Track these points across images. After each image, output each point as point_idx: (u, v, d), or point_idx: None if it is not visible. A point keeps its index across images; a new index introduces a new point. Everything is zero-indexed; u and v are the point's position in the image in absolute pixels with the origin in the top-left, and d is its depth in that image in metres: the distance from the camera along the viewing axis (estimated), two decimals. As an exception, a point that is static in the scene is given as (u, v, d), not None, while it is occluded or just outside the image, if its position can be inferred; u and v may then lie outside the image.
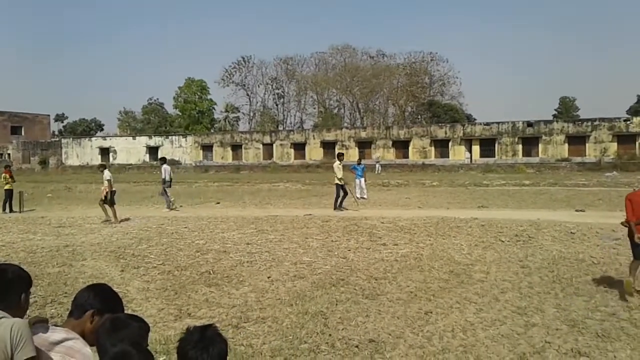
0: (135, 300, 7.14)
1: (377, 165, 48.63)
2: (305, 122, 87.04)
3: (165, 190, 18.62)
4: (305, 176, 43.58)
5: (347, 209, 17.60)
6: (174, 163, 61.71)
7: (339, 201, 17.89)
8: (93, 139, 72.87)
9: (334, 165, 18.68)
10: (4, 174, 19.54)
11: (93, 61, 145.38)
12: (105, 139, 71.19)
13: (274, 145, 60.85)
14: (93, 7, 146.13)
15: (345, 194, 18.02)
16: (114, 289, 2.65)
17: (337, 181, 18.07)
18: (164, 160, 20.07)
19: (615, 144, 48.13)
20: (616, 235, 11.08)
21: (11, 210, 18.64)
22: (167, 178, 18.62)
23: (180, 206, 19.34)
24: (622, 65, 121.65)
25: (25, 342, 2.12)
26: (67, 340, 2.27)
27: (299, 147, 59.93)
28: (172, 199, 18.70)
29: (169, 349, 5.14)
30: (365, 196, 22.11)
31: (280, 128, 78.49)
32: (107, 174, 16.34)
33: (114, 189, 16.14)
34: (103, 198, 15.87)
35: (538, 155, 50.64)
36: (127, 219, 15.60)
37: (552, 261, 9.05)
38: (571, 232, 11.71)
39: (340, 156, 19.30)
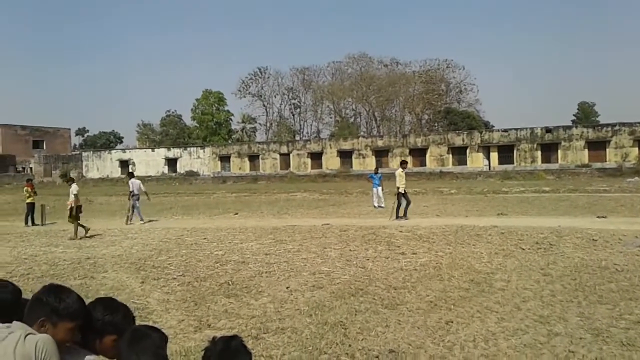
0: (156, 312, 7.18)
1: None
2: (322, 131, 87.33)
3: (135, 202, 18.96)
4: (323, 186, 43.61)
5: (407, 219, 16.86)
6: (192, 174, 62.33)
7: (401, 210, 17.21)
8: (113, 151, 73.81)
9: (396, 172, 18.08)
10: (26, 188, 19.88)
11: (112, 74, 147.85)
12: (125, 152, 72.07)
13: (291, 155, 61.03)
14: (111, 20, 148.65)
15: (408, 202, 17.41)
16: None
17: (398, 189, 17.41)
18: (131, 175, 20.46)
19: (637, 149, 47.38)
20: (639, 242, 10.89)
21: (33, 224, 18.92)
22: (136, 191, 19.04)
23: (156, 220, 19.38)
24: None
25: (51, 359, 2.14)
26: None
27: (316, 157, 60.02)
28: (131, 213, 18.81)
29: (189, 360, 5.15)
30: (382, 205, 22.05)
31: (297, 138, 78.78)
32: (74, 187, 16.58)
33: (80, 203, 16.22)
34: (69, 212, 15.81)
35: (557, 162, 50.05)
36: (91, 236, 15.07)
37: (574, 269, 8.92)
38: (593, 239, 11.53)
39: (404, 164, 18.82)
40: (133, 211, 18.96)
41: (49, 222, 19.69)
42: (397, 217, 17.01)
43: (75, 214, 15.57)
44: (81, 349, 2.37)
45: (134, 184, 19.27)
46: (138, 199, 19.16)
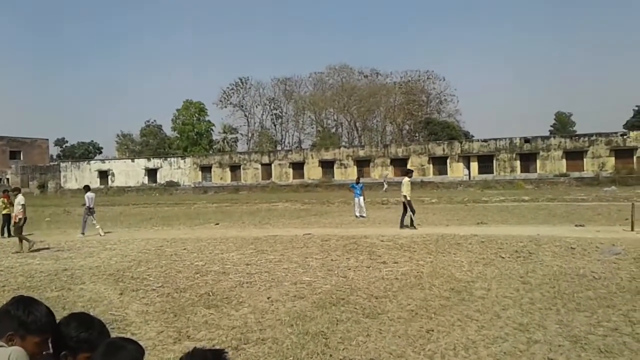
0: (135, 324, 7.08)
1: (384, 183, 49.24)
2: (304, 141, 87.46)
3: (86, 217, 18.85)
4: (304, 196, 43.57)
5: (407, 227, 16.92)
6: (172, 185, 61.85)
7: (407, 218, 17.21)
8: (92, 162, 73.03)
9: (403, 180, 18.26)
10: (2, 199, 19.49)
11: (90, 85, 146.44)
12: (104, 162, 71.36)
13: (273, 165, 60.95)
14: (90, 30, 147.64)
15: (413, 211, 17.40)
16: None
17: (405, 198, 17.45)
18: (87, 188, 20.31)
19: (613, 158, 48.27)
20: (616, 249, 11.05)
21: (9, 235, 18.56)
22: (91, 205, 18.90)
23: (109, 232, 19.09)
24: (617, 80, 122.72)
25: None
26: None
27: (298, 167, 60.02)
28: (97, 226, 18.64)
29: (168, 373, 5.08)
30: (364, 214, 22.10)
31: (279, 148, 78.71)
32: (20, 198, 16.37)
33: (25, 215, 16.03)
34: (15, 224, 15.54)
35: (536, 171, 50.74)
36: (38, 250, 14.53)
37: (553, 277, 9.01)
38: (571, 247, 11.67)
39: (410, 173, 19.10)
40: (90, 221, 18.80)
41: (26, 233, 19.32)
42: (412, 224, 16.94)
43: (20, 226, 15.32)
44: None
45: (89, 197, 19.11)
46: (93, 213, 19.07)
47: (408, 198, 17.43)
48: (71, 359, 2.31)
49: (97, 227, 18.53)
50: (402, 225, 17.16)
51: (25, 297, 2.44)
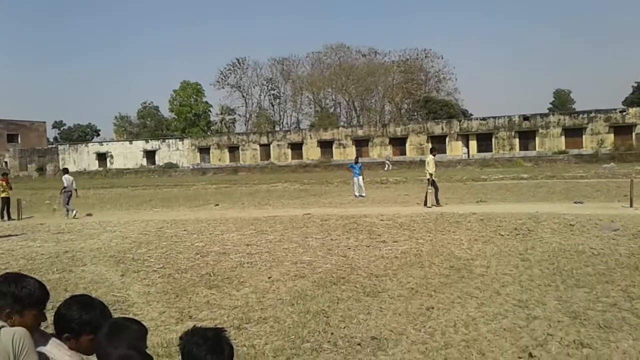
0: (137, 304, 7.12)
1: (387, 163, 49.44)
2: (302, 122, 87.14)
3: (67, 199, 19.14)
4: (303, 176, 43.58)
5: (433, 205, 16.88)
6: (171, 166, 61.78)
7: (435, 195, 17.21)
8: (90, 144, 72.78)
9: (427, 159, 18.20)
10: (0, 182, 19.48)
11: (87, 67, 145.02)
12: (102, 144, 71.12)
13: (271, 146, 60.82)
14: (87, 13, 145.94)
15: (436, 189, 17.42)
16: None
17: (428, 176, 17.53)
18: (66, 170, 20.97)
19: (612, 135, 48.16)
20: (615, 226, 11.10)
21: (9, 218, 18.60)
22: (68, 187, 19.26)
23: (88, 214, 19.26)
24: (616, 56, 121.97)
25: (28, 351, 2.12)
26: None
27: (296, 147, 59.90)
28: (72, 208, 18.88)
29: (170, 352, 5.13)
30: (364, 194, 22.12)
31: (277, 129, 78.47)
32: None
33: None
34: None
35: (535, 149, 50.67)
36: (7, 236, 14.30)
37: (552, 253, 9.05)
38: (570, 224, 11.72)
39: (433, 151, 19.08)
40: (68, 205, 19.07)
41: (26, 216, 19.37)
42: (438, 203, 16.97)
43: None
44: (48, 333, 2.37)
45: (67, 179, 19.43)
46: (70, 195, 19.31)
47: (434, 177, 17.44)
48: (74, 341, 2.32)
49: (73, 209, 18.86)
50: (437, 202, 17.05)
51: (13, 273, 2.46)
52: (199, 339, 2.09)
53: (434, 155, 18.38)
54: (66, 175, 19.74)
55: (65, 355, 2.29)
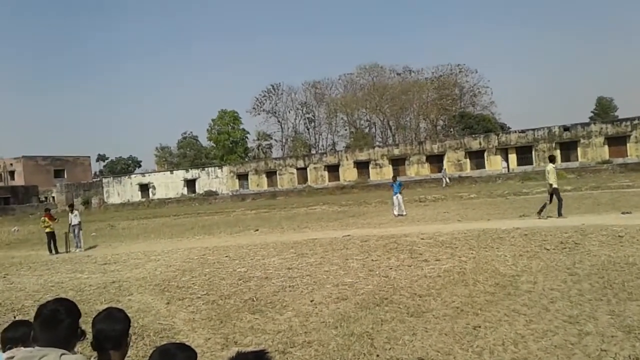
0: (182, 332, 7.22)
1: (444, 179, 48.68)
2: (337, 143, 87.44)
3: (78, 232, 20.24)
4: (341, 197, 43.55)
5: (542, 218, 16.21)
6: (211, 194, 62.70)
7: (561, 207, 16.28)
8: (132, 176, 74.64)
9: (547, 168, 17.11)
10: (43, 218, 20.34)
11: (126, 99, 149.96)
12: (144, 176, 72.84)
13: (308, 169, 61.12)
14: (125, 44, 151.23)
15: (560, 199, 16.42)
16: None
17: (551, 186, 16.51)
18: (72, 206, 22.03)
19: (659, 142, 46.58)
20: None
21: (56, 252, 19.20)
22: (73, 222, 20.24)
23: (93, 247, 20.45)
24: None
25: None
26: None
27: (333, 169, 60.02)
28: (78, 241, 20.09)
29: (218, 378, 5.16)
30: (404, 213, 21.94)
31: (313, 152, 78.92)
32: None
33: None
34: None
35: (577, 160, 49.34)
36: None
37: (601, 267, 8.77)
38: (619, 236, 11.33)
39: (553, 159, 17.89)
40: (73, 236, 20.22)
41: (73, 249, 19.95)
42: (560, 214, 16.05)
43: None
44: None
45: (77, 215, 20.70)
46: (74, 230, 20.23)
47: (555, 185, 16.44)
48: None
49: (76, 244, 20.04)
50: (560, 214, 16.11)
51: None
52: None
53: (554, 163, 17.13)
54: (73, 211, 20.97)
55: None
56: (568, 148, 50.28)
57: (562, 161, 49.56)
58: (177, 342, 2.53)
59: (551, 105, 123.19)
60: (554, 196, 16.43)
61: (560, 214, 16.14)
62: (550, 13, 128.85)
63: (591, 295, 7.19)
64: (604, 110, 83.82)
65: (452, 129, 78.89)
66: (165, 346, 2.39)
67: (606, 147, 48.59)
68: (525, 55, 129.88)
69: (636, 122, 47.88)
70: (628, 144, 47.66)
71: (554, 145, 50.63)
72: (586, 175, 43.58)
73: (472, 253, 11.06)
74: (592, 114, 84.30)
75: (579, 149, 49.67)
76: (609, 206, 18.70)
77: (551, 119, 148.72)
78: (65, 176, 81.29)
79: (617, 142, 48.15)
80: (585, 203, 20.91)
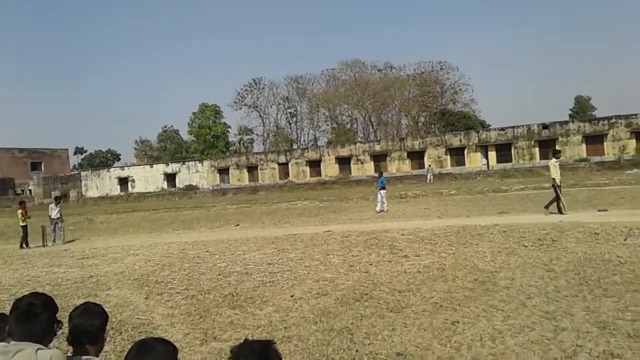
0: (161, 327, 7.16)
1: (428, 175, 48.63)
2: (319, 139, 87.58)
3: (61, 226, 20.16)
4: (322, 193, 43.60)
5: (552, 213, 15.89)
6: (191, 188, 62.29)
7: (560, 203, 15.97)
8: (111, 169, 73.86)
9: (550, 162, 16.69)
10: (20, 211, 19.91)
11: (107, 92, 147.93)
12: (124, 169, 72.11)
13: (290, 164, 61.07)
14: (103, 37, 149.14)
15: (555, 195, 16.11)
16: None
17: (554, 181, 16.20)
18: (57, 199, 21.62)
19: (634, 140, 47.43)
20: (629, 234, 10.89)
21: (27, 246, 18.87)
22: (52, 215, 20.01)
23: (72, 240, 20.25)
24: (636, 60, 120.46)
25: None
26: None
27: (314, 165, 60.07)
28: (57, 235, 19.86)
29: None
30: (385, 209, 22.02)
31: (295, 147, 78.84)
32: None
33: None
34: None
35: (556, 157, 50.08)
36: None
37: (577, 263, 8.90)
38: (595, 233, 11.51)
39: (557, 153, 17.34)
40: (57, 231, 19.96)
41: (50, 242, 19.65)
42: (559, 211, 15.82)
43: None
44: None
45: (51, 208, 20.40)
46: (55, 223, 20.01)
47: (558, 182, 16.19)
48: None
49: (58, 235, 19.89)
50: (559, 211, 15.86)
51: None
52: (247, 350, 2.11)
53: (558, 159, 16.74)
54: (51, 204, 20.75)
55: None
56: (547, 146, 50.97)
57: (540, 159, 50.27)
58: (157, 336, 2.50)
59: (531, 103, 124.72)
60: (559, 190, 16.10)
61: (546, 207, 16.12)
62: (530, 13, 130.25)
63: (567, 291, 7.29)
64: (582, 109, 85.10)
65: (433, 126, 79.47)
66: (144, 340, 2.37)
67: (584, 145, 49.42)
68: (506, 54, 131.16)
69: (613, 121, 48.74)
70: (605, 143, 48.51)
71: (532, 142, 51.31)
72: (564, 173, 43.69)
73: (451, 249, 11.15)
74: (570, 113, 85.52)
75: (557, 146, 50.33)
76: (586, 204, 19.00)
77: (531, 117, 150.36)
78: (43, 169, 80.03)
79: (594, 140, 48.98)
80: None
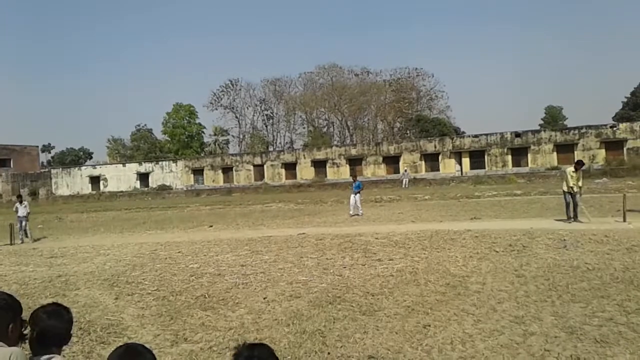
0: (131, 328, 7.05)
1: (404, 179, 48.54)
2: (295, 142, 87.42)
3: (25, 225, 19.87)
4: (297, 196, 43.53)
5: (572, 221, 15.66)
6: (165, 188, 61.58)
7: (570, 211, 15.86)
8: (83, 168, 72.52)
9: (567, 170, 16.58)
10: None
11: (78, 89, 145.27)
12: (95, 168, 70.90)
13: (265, 166, 60.86)
14: (77, 34, 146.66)
15: (575, 204, 15.93)
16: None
17: (572, 189, 15.97)
18: (20, 197, 21.48)
19: (604, 150, 48.55)
20: (608, 241, 11.14)
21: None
22: (24, 213, 19.88)
23: (40, 238, 20.21)
24: (606, 72, 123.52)
25: None
26: None
27: (290, 167, 59.96)
28: (23, 234, 19.65)
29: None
30: (359, 212, 22.10)
31: (271, 149, 78.60)
32: None
33: None
34: None
35: (528, 165, 50.94)
36: None
37: (547, 269, 9.06)
38: (564, 240, 11.75)
39: (579, 163, 16.68)
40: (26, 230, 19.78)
41: (18, 241, 19.22)
42: (568, 218, 15.75)
43: None
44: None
45: (25, 206, 20.21)
46: (21, 221, 19.81)
47: (575, 189, 16.06)
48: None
49: (24, 233, 19.65)
50: (576, 218, 15.78)
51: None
52: (264, 353, 2.21)
53: (577, 169, 16.36)
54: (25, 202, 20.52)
55: None
56: (519, 154, 51.87)
57: (513, 166, 51.09)
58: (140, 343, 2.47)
59: (504, 111, 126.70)
60: (571, 198, 16.03)
61: (572, 217, 15.84)
62: (507, 21, 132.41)
63: (537, 296, 7.41)
64: (553, 118, 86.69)
65: (408, 131, 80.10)
66: (132, 345, 2.37)
67: (555, 154, 50.37)
68: (480, 62, 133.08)
69: (583, 130, 49.81)
70: (575, 152, 49.49)
71: (505, 150, 52.10)
72: (536, 181, 44.99)
73: (424, 253, 11.24)
74: (542, 122, 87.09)
75: (529, 155, 51.32)
76: (557, 211, 19.31)
77: (504, 124, 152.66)
78: (12, 166, 78.17)
79: (565, 149, 49.96)
80: (533, 207, 21.57)
